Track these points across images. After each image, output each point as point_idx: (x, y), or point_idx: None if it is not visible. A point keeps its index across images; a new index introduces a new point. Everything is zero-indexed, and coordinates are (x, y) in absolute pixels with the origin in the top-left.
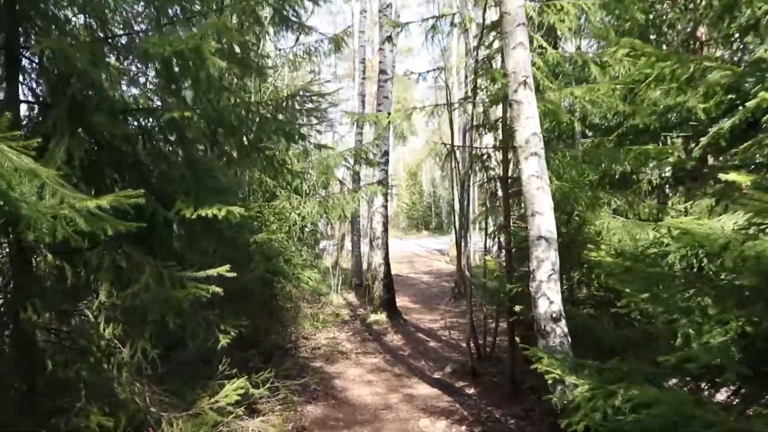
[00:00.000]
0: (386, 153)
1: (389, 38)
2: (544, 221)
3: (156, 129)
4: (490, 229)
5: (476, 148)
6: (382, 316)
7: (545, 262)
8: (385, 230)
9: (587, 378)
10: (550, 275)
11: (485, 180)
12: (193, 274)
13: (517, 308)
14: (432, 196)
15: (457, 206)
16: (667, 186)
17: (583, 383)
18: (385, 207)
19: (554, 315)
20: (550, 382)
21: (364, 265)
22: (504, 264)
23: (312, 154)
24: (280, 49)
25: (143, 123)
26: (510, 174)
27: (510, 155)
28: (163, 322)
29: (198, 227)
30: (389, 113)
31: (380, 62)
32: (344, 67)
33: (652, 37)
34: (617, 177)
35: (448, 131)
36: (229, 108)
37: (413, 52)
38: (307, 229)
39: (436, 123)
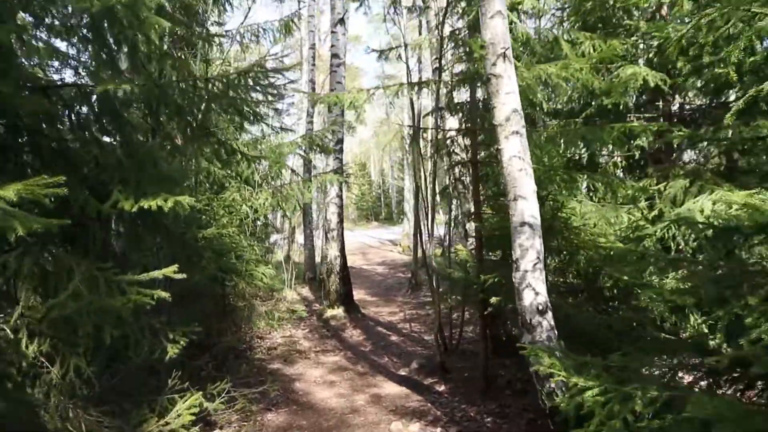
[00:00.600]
0: (340, 141)
1: (341, 21)
2: (527, 206)
3: (86, 108)
4: (450, 217)
5: (442, 129)
6: (339, 311)
7: (530, 251)
8: (341, 221)
9: (595, 379)
10: (535, 264)
11: (450, 164)
12: (134, 277)
13: (494, 300)
14: (381, 187)
15: (416, 194)
16: (633, 168)
17: (593, 385)
18: (340, 197)
19: (540, 307)
20: (535, 377)
21: (318, 258)
22: (474, 253)
23: (264, 142)
24: (226, 31)
25: (71, 102)
26: (478, 158)
27: (479, 138)
28: (100, 333)
29: (140, 222)
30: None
31: (332, 46)
32: (292, 57)
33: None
34: (585, 159)
35: (396, 120)
36: (173, 84)
37: (360, 41)
38: (259, 223)
39: (384, 111)
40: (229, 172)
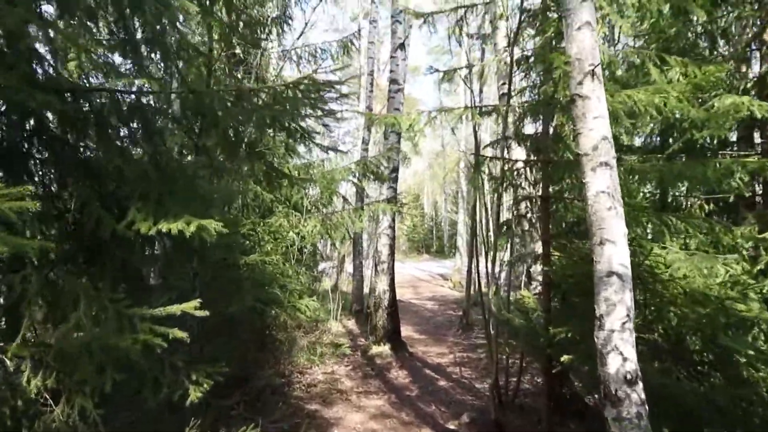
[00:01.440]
0: (395, 170)
1: (402, 45)
2: (616, 252)
3: (113, 112)
4: (510, 256)
5: (509, 160)
6: (385, 348)
7: (618, 307)
8: (392, 254)
9: None
10: (624, 323)
11: (516, 199)
12: (149, 311)
13: (564, 358)
14: (433, 219)
15: (472, 228)
16: (722, 212)
17: None
18: (393, 228)
19: (629, 376)
20: None
21: (366, 290)
22: (541, 300)
23: (315, 167)
24: (283, 51)
25: (98, 107)
26: (550, 192)
27: (549, 170)
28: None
29: (171, 245)
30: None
31: (391, 71)
32: (349, 84)
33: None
34: (670, 201)
35: (451, 152)
36: (211, 92)
37: (419, 71)
38: (306, 251)
39: (440, 143)
40: (277, 196)
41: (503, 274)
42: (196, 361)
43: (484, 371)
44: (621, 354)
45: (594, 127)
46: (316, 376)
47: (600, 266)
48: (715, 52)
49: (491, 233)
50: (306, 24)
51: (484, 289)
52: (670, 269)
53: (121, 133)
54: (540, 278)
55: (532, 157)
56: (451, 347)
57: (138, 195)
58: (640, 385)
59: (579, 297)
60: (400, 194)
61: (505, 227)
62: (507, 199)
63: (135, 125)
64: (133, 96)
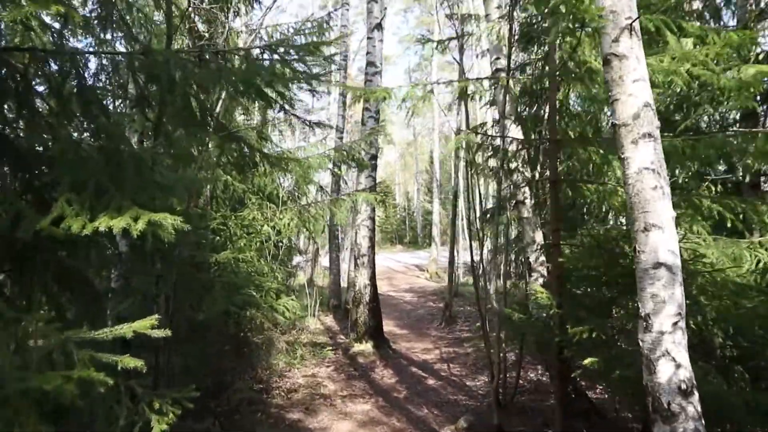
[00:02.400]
0: (374, 157)
1: (379, 25)
2: (663, 239)
3: (39, 75)
4: (498, 244)
5: (514, 139)
6: (367, 346)
7: (668, 304)
8: (372, 246)
9: None
10: (676, 323)
11: (516, 183)
12: (89, 334)
13: (588, 361)
14: (406, 210)
15: (452, 217)
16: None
17: None
18: (373, 219)
19: (684, 386)
20: None
21: (344, 284)
22: (552, 294)
23: (290, 154)
24: (251, 30)
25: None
26: (559, 175)
27: (560, 152)
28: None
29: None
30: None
31: (368, 53)
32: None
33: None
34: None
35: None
36: (164, 51)
37: (390, 61)
38: (282, 245)
39: (411, 133)
40: (250, 186)
41: (495, 265)
42: (164, 381)
43: (473, 368)
44: (673, 360)
45: (634, 92)
46: (297, 380)
47: (644, 256)
48: (720, 23)
49: (486, 220)
50: (273, 1)
51: (487, 284)
52: (694, 255)
53: (50, 104)
54: (542, 269)
55: (543, 133)
56: (435, 342)
57: (69, 183)
58: (696, 395)
59: (593, 290)
60: (380, 182)
61: (496, 214)
62: (494, 186)
63: (69, 93)
64: (66, 60)
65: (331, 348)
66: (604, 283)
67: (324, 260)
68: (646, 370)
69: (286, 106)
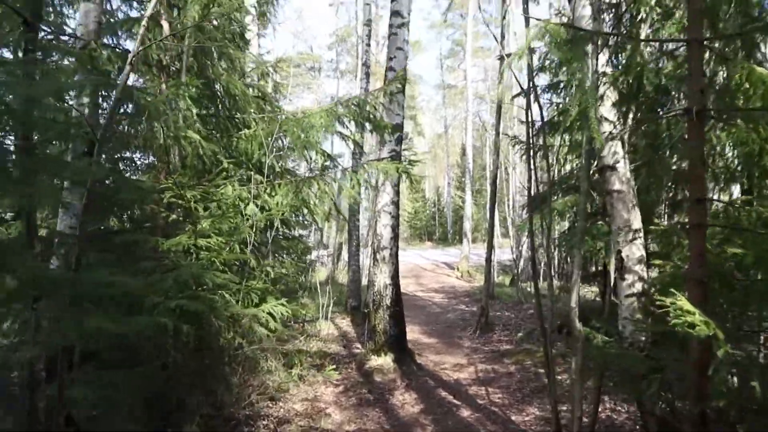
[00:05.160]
0: (399, 126)
1: None
2: None
3: None
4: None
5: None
6: (387, 360)
7: None
8: (395, 237)
9: None
10: None
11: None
12: None
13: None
14: (436, 205)
15: (491, 207)
16: None
17: None
18: (396, 204)
19: None
20: None
21: (364, 281)
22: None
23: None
24: None
25: None
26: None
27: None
28: None
29: None
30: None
31: (393, 1)
32: (347, 61)
33: None
34: None
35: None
36: None
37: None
38: (280, 233)
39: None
40: (223, 149)
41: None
42: None
43: (518, 394)
44: None
45: None
46: (293, 405)
47: None
48: None
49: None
50: None
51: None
52: None
53: None
54: (639, 270)
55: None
56: (469, 355)
57: None
58: None
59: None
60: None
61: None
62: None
63: None
64: None
65: (343, 361)
66: None
67: (346, 254)
68: None
69: None
